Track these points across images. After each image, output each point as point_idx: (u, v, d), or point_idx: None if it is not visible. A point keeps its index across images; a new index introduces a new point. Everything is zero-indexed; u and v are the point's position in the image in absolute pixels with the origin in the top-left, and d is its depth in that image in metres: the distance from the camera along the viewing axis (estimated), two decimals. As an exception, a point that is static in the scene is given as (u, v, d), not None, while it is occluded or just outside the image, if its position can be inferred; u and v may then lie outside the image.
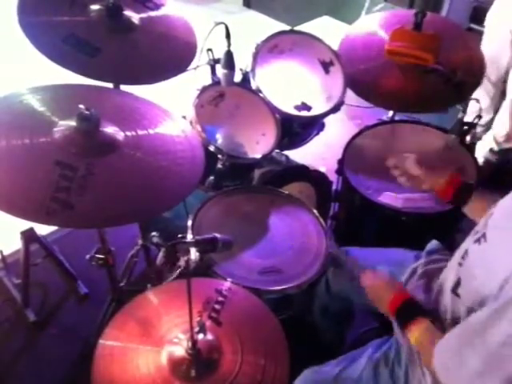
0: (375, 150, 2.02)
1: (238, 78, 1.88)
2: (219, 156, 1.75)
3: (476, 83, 2.08)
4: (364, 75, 2.04)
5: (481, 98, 2.71)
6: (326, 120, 2.11)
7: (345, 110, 2.07)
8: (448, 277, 1.19)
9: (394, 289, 1.25)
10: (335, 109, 1.99)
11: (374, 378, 1.28)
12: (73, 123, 1.29)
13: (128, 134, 1.38)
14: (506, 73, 2.58)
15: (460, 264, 1.13)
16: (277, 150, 2.01)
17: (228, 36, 1.69)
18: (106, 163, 1.29)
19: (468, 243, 1.16)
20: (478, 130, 2.84)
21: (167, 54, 1.67)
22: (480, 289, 1.00)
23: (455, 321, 1.13)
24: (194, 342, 1.13)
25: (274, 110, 1.90)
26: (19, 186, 1.20)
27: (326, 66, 2.04)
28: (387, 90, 2.01)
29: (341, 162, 1.94)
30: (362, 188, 1.84)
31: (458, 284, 1.12)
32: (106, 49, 1.55)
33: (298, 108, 1.96)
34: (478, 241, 1.08)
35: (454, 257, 1.24)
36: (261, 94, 1.90)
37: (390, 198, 1.81)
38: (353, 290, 1.50)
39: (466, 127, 1.86)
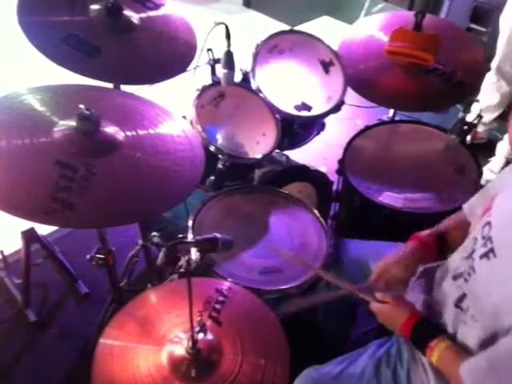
0: (375, 150, 2.02)
1: (238, 78, 1.89)
2: (219, 156, 1.75)
3: (476, 83, 2.08)
4: (364, 75, 2.04)
5: (489, 94, 2.74)
6: (327, 120, 2.11)
7: (345, 109, 2.07)
8: (447, 290, 1.18)
9: (403, 310, 1.20)
10: (335, 109, 1.99)
11: (376, 378, 1.27)
12: (73, 123, 1.29)
13: (128, 134, 1.38)
14: None
15: (465, 279, 1.11)
16: (277, 150, 2.01)
17: (228, 36, 1.69)
18: (106, 163, 1.29)
19: (466, 255, 1.14)
20: (481, 129, 2.85)
21: (167, 54, 1.67)
22: (498, 307, 0.98)
23: (456, 333, 1.12)
24: (195, 342, 1.13)
25: (274, 110, 1.90)
26: (19, 185, 1.20)
27: (326, 66, 2.04)
28: (388, 89, 2.02)
29: (341, 161, 1.94)
30: (362, 188, 1.84)
31: (462, 298, 1.11)
32: (105, 49, 1.56)
33: (298, 108, 1.96)
34: (485, 256, 1.05)
35: (444, 268, 1.24)
36: (261, 94, 1.91)
37: (390, 198, 1.81)
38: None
39: (466, 127, 1.86)
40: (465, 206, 1.36)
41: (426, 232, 1.37)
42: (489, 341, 1.01)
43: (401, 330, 1.18)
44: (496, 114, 2.83)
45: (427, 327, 1.16)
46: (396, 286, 1.34)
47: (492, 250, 1.03)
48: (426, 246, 1.34)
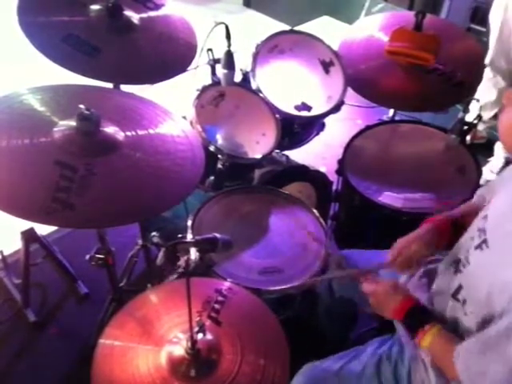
0: (375, 150, 2.02)
1: (238, 78, 1.89)
2: (219, 156, 1.75)
3: (476, 83, 2.08)
4: (364, 75, 2.04)
5: (487, 91, 2.74)
6: (326, 120, 2.11)
7: (345, 110, 2.07)
8: (446, 282, 1.19)
9: (398, 294, 1.21)
10: (335, 109, 1.99)
11: (377, 375, 1.27)
12: (73, 123, 1.29)
13: (128, 134, 1.38)
14: None
15: (460, 271, 1.13)
16: (277, 150, 2.01)
17: (228, 36, 1.69)
18: (106, 163, 1.29)
19: (463, 248, 1.15)
20: (481, 127, 2.85)
21: (167, 54, 1.67)
22: (491, 294, 1.00)
23: (455, 325, 1.13)
24: (194, 342, 1.13)
25: (274, 110, 1.90)
26: (19, 186, 1.20)
27: (326, 66, 2.04)
28: (388, 89, 2.02)
29: (341, 162, 1.94)
30: (361, 188, 1.84)
31: (458, 290, 1.12)
32: (105, 49, 1.56)
33: (298, 108, 1.96)
34: (479, 247, 1.07)
35: (445, 260, 1.25)
36: (261, 94, 1.90)
37: (390, 198, 1.81)
38: (355, 292, 1.50)
39: (466, 127, 1.87)
40: (475, 197, 1.38)
41: (439, 216, 1.37)
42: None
43: (394, 312, 1.19)
44: (495, 110, 2.82)
45: (421, 312, 1.17)
46: (415, 264, 1.33)
47: (485, 241, 1.05)
48: (440, 229, 1.33)
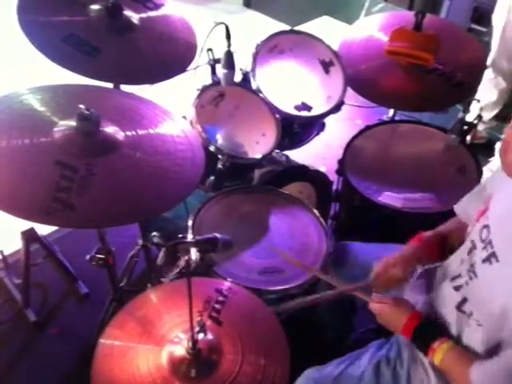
0: (375, 150, 2.02)
1: (238, 78, 1.89)
2: (219, 156, 1.75)
3: (476, 83, 2.08)
4: (364, 75, 2.04)
5: (488, 91, 2.75)
6: (327, 120, 2.11)
7: (345, 110, 2.07)
8: (447, 293, 1.18)
9: (403, 313, 1.20)
10: (335, 109, 1.99)
11: (376, 378, 1.27)
12: (73, 123, 1.29)
13: (128, 133, 1.38)
14: None
15: (466, 283, 1.11)
16: (277, 150, 2.01)
17: (228, 36, 1.69)
18: (106, 163, 1.29)
19: (464, 259, 1.14)
20: (481, 127, 2.85)
21: (167, 54, 1.68)
22: (506, 310, 0.99)
23: (461, 336, 1.12)
24: (195, 342, 1.13)
25: (274, 110, 1.90)
26: (20, 186, 1.20)
27: (326, 66, 2.04)
28: (388, 89, 2.02)
29: (341, 162, 1.94)
30: (361, 188, 1.84)
31: (463, 302, 1.11)
32: (105, 49, 1.56)
33: (298, 108, 1.96)
34: (487, 260, 1.05)
35: (441, 269, 1.24)
36: (261, 94, 1.90)
37: (390, 198, 1.81)
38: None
39: (466, 127, 1.87)
40: (456, 207, 1.36)
41: (427, 233, 1.37)
42: (495, 344, 1.01)
43: (402, 331, 1.18)
44: (495, 111, 2.83)
45: (429, 329, 1.16)
46: (394, 286, 1.34)
47: (494, 255, 1.03)
48: (427, 247, 1.33)
